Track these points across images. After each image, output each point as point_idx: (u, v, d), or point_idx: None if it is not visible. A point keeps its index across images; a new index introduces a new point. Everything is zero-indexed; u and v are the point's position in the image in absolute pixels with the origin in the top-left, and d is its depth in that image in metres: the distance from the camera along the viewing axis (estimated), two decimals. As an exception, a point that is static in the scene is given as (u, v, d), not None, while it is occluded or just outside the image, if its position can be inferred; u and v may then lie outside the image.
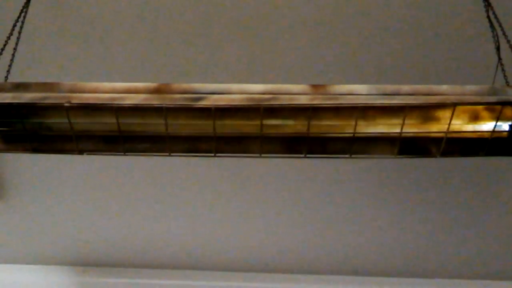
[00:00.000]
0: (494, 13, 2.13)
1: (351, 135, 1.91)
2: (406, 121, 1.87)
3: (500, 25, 2.08)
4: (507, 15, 2.30)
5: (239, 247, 4.03)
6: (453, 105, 1.82)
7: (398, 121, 1.89)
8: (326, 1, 2.55)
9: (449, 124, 1.87)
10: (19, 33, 2.17)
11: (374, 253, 4.00)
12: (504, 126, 1.90)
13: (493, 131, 1.89)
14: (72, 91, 1.88)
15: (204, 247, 4.05)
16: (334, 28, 2.65)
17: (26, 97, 1.84)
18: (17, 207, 3.73)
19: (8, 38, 2.11)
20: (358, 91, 1.86)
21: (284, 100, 1.83)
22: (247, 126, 1.94)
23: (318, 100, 1.83)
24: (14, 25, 2.16)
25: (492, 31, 2.12)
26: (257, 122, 1.90)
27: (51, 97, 1.84)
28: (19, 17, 2.18)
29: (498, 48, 2.09)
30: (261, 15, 2.62)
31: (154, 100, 1.84)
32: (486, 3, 2.18)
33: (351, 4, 2.56)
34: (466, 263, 4.01)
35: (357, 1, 2.54)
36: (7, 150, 2.00)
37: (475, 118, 1.91)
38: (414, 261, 4.05)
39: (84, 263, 4.16)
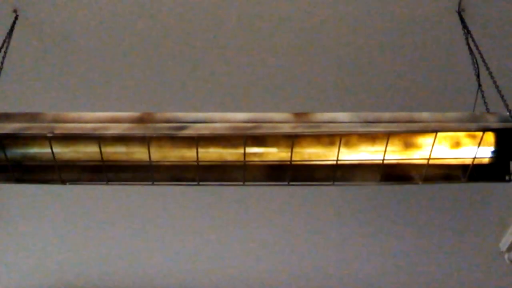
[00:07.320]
0: (473, 40, 2.15)
1: (334, 162, 1.92)
2: (388, 148, 1.88)
3: (480, 53, 2.10)
4: (486, 43, 2.34)
5: (224, 273, 4.05)
6: (434, 132, 1.84)
7: (380, 148, 1.90)
8: (309, 29, 2.56)
9: (431, 150, 1.88)
10: (2, 63, 2.17)
11: (359, 279, 4.02)
12: (486, 152, 1.92)
13: (475, 158, 1.90)
14: (55, 121, 1.87)
15: (192, 273, 4.04)
16: (316, 56, 2.66)
17: (8, 127, 1.83)
18: (4, 236, 3.71)
19: (-10, 68, 2.11)
20: (340, 119, 1.87)
21: (267, 129, 1.84)
22: (231, 154, 1.94)
23: (300, 128, 1.83)
24: (-3, 55, 2.16)
25: (472, 59, 2.15)
26: (241, 151, 1.90)
27: (34, 127, 1.83)
28: (1, 46, 2.18)
29: (478, 75, 2.11)
30: (244, 44, 2.63)
31: (137, 130, 1.83)
32: (466, 31, 2.21)
33: (333, 34, 2.56)
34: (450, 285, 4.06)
35: (339, 30, 2.55)
36: (-10, 181, 1.98)
37: (457, 144, 1.92)
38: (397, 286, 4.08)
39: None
